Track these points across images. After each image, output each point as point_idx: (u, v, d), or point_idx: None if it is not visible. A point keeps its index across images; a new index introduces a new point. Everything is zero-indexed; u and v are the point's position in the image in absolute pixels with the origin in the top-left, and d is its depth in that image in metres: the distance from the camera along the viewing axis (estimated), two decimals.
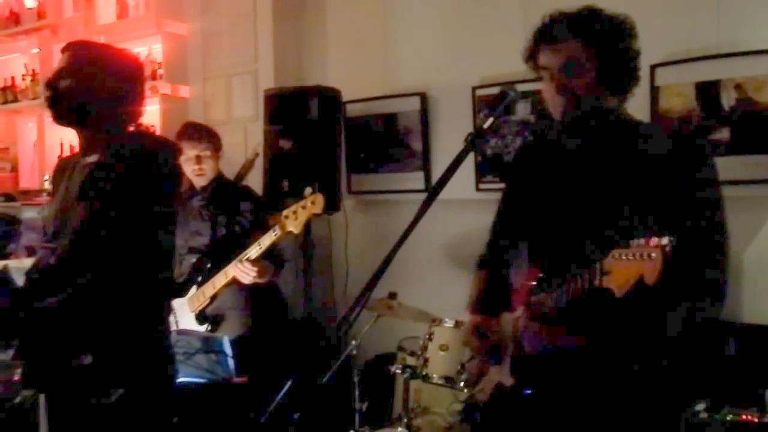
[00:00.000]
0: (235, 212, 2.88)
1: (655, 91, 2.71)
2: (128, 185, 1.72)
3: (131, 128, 1.91)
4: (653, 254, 1.23)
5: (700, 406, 2.09)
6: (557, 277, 1.52)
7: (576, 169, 1.63)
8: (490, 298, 1.80)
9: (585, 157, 1.62)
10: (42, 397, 3.22)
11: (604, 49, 1.53)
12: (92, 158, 1.83)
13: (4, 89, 5.07)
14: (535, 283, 1.61)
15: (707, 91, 2.60)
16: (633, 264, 1.26)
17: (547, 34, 1.57)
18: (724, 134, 2.57)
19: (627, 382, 1.53)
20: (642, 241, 1.26)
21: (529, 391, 1.62)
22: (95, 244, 1.69)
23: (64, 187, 1.89)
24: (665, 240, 1.23)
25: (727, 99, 2.57)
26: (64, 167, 1.98)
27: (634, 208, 1.48)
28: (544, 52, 1.58)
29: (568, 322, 1.52)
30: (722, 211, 1.51)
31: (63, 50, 1.88)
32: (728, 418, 2.07)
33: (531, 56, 1.63)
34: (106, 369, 1.70)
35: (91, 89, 1.80)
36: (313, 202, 2.51)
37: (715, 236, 1.49)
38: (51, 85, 1.82)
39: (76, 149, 1.96)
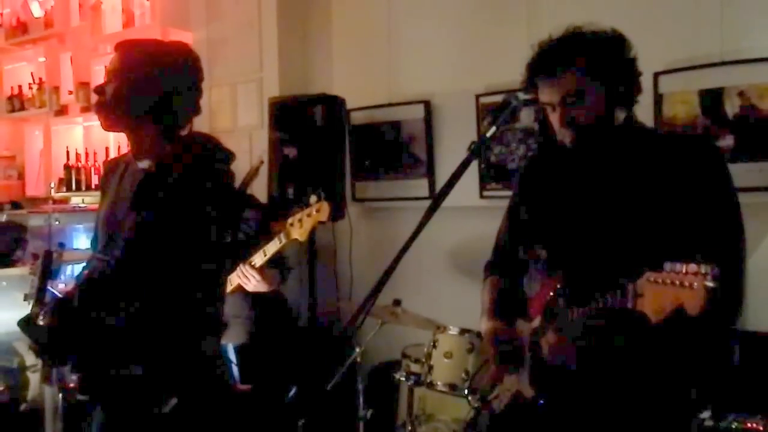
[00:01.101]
0: (238, 220, 2.88)
1: (658, 98, 2.71)
2: (181, 195, 1.66)
3: (185, 129, 1.80)
4: (694, 284, 1.18)
5: (705, 414, 2.08)
6: (578, 290, 1.50)
7: (594, 182, 1.62)
8: (505, 305, 1.79)
9: (602, 170, 1.61)
10: (48, 403, 3.23)
11: (602, 72, 1.52)
12: (144, 164, 1.76)
13: (11, 98, 5.11)
14: (553, 294, 1.60)
15: (711, 99, 2.61)
16: (670, 291, 1.21)
17: (542, 69, 1.56)
18: (728, 141, 2.57)
19: (640, 395, 1.53)
20: (678, 266, 1.21)
21: (542, 402, 1.61)
22: (148, 255, 1.65)
23: (114, 191, 1.83)
24: (705, 268, 1.18)
25: (731, 106, 2.57)
26: (113, 170, 1.90)
27: (656, 218, 1.48)
28: (543, 87, 1.57)
29: (594, 339, 1.50)
30: (741, 217, 1.52)
31: (114, 49, 1.77)
32: (733, 426, 2.06)
33: (529, 88, 1.62)
34: (158, 378, 1.66)
35: (140, 92, 1.70)
36: (318, 210, 2.52)
37: (738, 245, 1.49)
38: (99, 90, 1.74)
39: (124, 151, 1.89)
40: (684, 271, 1.20)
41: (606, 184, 1.60)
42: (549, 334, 1.55)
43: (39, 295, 1.79)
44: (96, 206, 2.10)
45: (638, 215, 1.52)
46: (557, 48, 1.55)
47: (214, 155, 1.77)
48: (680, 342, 1.44)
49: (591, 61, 1.52)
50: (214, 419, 1.78)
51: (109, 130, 1.81)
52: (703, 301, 1.17)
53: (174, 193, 1.67)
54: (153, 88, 1.71)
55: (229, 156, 1.80)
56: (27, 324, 1.78)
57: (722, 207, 1.50)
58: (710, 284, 1.17)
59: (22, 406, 3.40)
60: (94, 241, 1.91)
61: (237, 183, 3.13)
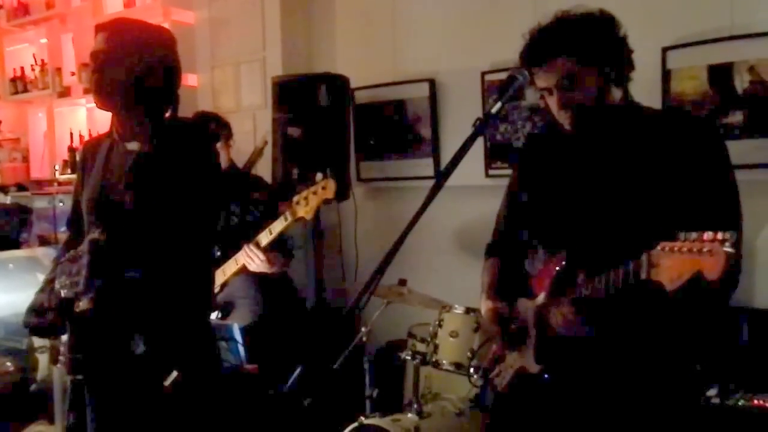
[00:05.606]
0: (246, 201, 2.88)
1: (667, 74, 2.67)
2: (178, 175, 1.72)
3: (169, 111, 1.84)
4: (713, 249, 1.19)
5: (712, 392, 2.08)
6: (586, 265, 1.52)
7: (593, 162, 1.63)
8: (505, 284, 1.80)
9: (601, 151, 1.62)
10: (57, 383, 3.26)
11: (594, 53, 1.54)
12: (133, 145, 1.79)
13: (14, 80, 5.09)
14: (559, 269, 1.61)
15: (720, 74, 2.57)
16: (688, 258, 1.22)
17: (534, 56, 1.58)
18: (737, 117, 2.54)
19: (649, 368, 1.54)
20: (694, 234, 1.22)
21: (547, 376, 1.62)
22: (147, 233, 1.70)
23: (99, 172, 1.84)
24: (724, 234, 1.19)
25: (741, 81, 2.53)
26: (94, 149, 1.90)
27: (663, 195, 1.49)
28: (537, 74, 1.59)
29: (609, 310, 1.50)
30: (737, 195, 1.51)
31: (98, 30, 1.78)
32: (740, 403, 2.06)
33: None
34: (159, 355, 1.71)
35: (134, 70, 1.72)
36: (324, 187, 2.50)
37: (731, 221, 1.48)
38: (94, 69, 1.75)
39: (103, 132, 1.92)
40: (701, 238, 1.21)
41: (605, 164, 1.61)
42: (562, 307, 1.55)
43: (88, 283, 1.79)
44: None
45: (638, 194, 1.53)
46: (547, 34, 1.57)
47: (204, 135, 1.81)
48: (695, 308, 1.45)
49: (581, 44, 1.54)
50: (215, 395, 1.82)
51: (102, 109, 1.83)
52: (723, 266, 1.18)
53: (170, 175, 1.71)
54: (141, 71, 1.73)
55: (213, 136, 1.85)
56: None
57: (720, 181, 1.51)
58: (730, 249, 1.18)
59: (32, 387, 3.44)
60: (74, 223, 1.93)
61: (241, 164, 3.15)
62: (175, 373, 1.69)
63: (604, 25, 1.57)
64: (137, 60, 1.72)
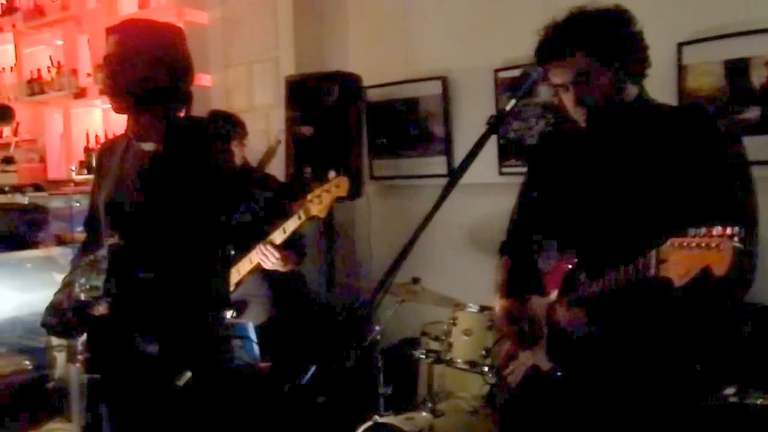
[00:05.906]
0: (249, 200, 2.89)
1: (682, 70, 2.65)
2: (184, 174, 1.73)
3: (183, 111, 1.84)
4: (722, 244, 1.19)
5: (729, 390, 2.06)
6: (596, 263, 1.51)
7: (605, 160, 1.62)
8: (518, 282, 1.80)
9: (615, 146, 1.61)
10: (74, 381, 3.29)
11: (609, 50, 1.53)
12: (148, 146, 1.80)
13: (31, 81, 5.14)
14: (571, 267, 1.60)
15: (736, 69, 2.54)
16: (696, 254, 1.22)
17: (549, 53, 1.57)
18: (754, 113, 2.51)
19: (659, 367, 1.54)
20: (703, 230, 1.22)
21: (559, 373, 1.61)
22: (157, 234, 1.71)
23: (116, 172, 1.85)
24: (732, 230, 1.19)
25: (758, 77, 2.50)
26: (110, 150, 1.91)
27: (669, 193, 1.48)
28: (553, 70, 1.58)
29: (615, 308, 1.50)
30: (754, 192, 1.49)
31: (108, 33, 1.78)
32: (758, 402, 2.04)
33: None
34: (172, 354, 1.72)
35: (143, 76, 1.73)
36: (337, 185, 2.50)
37: (747, 219, 1.46)
38: (107, 73, 1.76)
39: (120, 132, 1.93)
40: (709, 233, 1.21)
41: (618, 162, 1.60)
42: (561, 309, 1.56)
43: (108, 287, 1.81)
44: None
45: (650, 191, 1.52)
46: (562, 31, 1.56)
47: (215, 137, 1.82)
48: (703, 304, 1.44)
49: (596, 41, 1.53)
50: (228, 393, 1.83)
51: (118, 113, 1.84)
52: (729, 261, 1.18)
53: (178, 172, 1.72)
54: (155, 71, 1.74)
55: (227, 135, 1.84)
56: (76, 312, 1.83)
57: (732, 177, 1.50)
58: (738, 245, 1.18)
59: (50, 384, 3.47)
60: (91, 224, 1.94)
61: (255, 163, 3.16)
62: (188, 373, 1.70)
63: (620, 20, 1.56)
64: (146, 60, 1.72)
